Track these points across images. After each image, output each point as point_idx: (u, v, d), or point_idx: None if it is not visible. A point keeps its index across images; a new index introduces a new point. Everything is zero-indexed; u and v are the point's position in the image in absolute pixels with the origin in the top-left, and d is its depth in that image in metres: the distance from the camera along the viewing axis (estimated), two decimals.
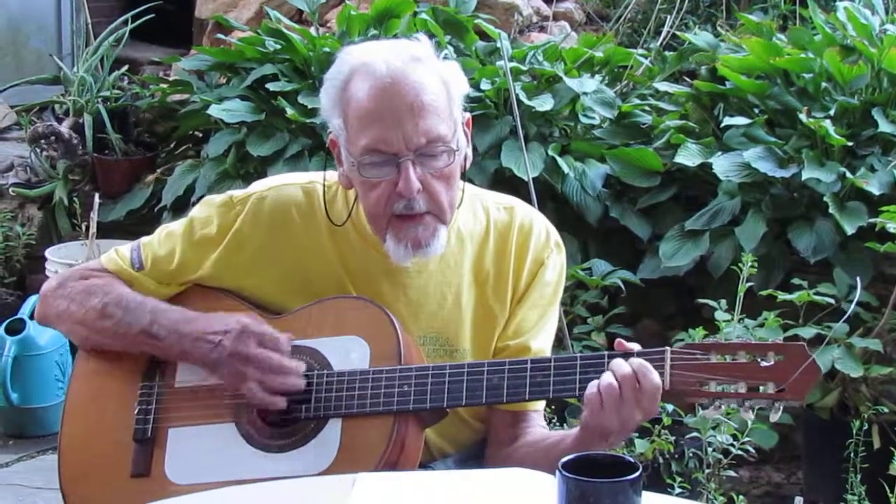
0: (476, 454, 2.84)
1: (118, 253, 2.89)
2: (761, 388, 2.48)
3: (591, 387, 2.54)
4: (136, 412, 2.77)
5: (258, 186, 2.83)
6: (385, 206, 2.65)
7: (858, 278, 3.45)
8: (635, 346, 2.59)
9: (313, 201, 2.79)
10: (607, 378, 2.53)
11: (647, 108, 5.63)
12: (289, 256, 2.78)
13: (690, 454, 4.19)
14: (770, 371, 2.48)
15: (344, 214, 2.78)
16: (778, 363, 2.48)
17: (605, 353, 2.59)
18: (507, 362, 2.64)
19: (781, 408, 2.49)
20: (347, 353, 2.68)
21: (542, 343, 2.83)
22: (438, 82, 2.66)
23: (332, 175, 2.79)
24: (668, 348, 2.54)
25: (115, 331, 2.80)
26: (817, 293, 4.42)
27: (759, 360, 2.49)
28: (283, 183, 2.84)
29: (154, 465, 2.73)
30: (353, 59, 2.68)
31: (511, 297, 2.81)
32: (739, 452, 4.04)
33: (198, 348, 2.72)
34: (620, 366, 2.53)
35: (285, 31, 5.97)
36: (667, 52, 6.04)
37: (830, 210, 4.75)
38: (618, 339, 2.63)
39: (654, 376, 2.52)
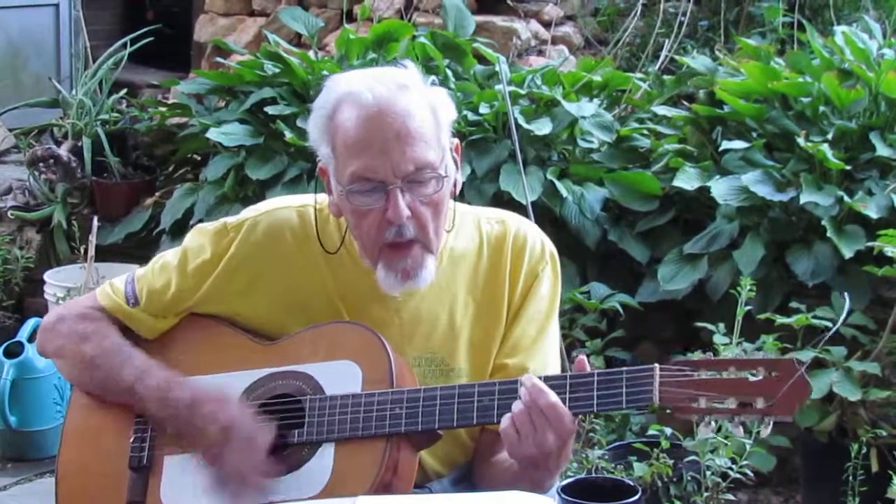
0: (470, 474, 2.84)
1: (112, 287, 2.89)
2: (751, 403, 2.47)
3: (505, 420, 2.55)
4: (131, 440, 2.79)
5: (251, 213, 2.84)
6: (377, 235, 2.66)
7: (847, 294, 3.42)
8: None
9: (307, 224, 2.80)
10: (517, 406, 2.54)
11: (645, 131, 5.64)
12: (283, 280, 2.78)
13: (689, 477, 4.18)
14: (759, 386, 2.47)
15: (336, 237, 2.79)
16: (767, 378, 2.47)
17: (595, 371, 2.58)
18: (498, 383, 2.64)
19: (771, 423, 2.48)
20: (340, 378, 2.68)
21: (540, 362, 2.81)
22: (426, 109, 2.66)
23: (322, 198, 2.80)
24: (657, 365, 2.53)
25: (103, 383, 2.82)
26: (815, 317, 4.42)
27: (748, 375, 2.48)
28: (277, 207, 2.84)
29: (150, 493, 2.74)
30: (340, 88, 2.69)
31: (507, 311, 2.81)
32: (738, 475, 4.04)
33: (176, 422, 2.73)
34: (522, 393, 2.54)
35: (284, 54, 5.98)
36: (665, 76, 6.05)
37: (828, 233, 4.75)
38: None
39: (548, 395, 2.52)
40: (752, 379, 2.47)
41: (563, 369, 4.32)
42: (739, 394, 2.48)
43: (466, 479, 2.84)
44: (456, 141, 2.76)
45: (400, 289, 2.71)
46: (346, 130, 2.64)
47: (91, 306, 2.88)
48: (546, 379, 2.58)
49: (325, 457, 2.64)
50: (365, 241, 2.69)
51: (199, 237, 2.85)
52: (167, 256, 2.87)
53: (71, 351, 2.85)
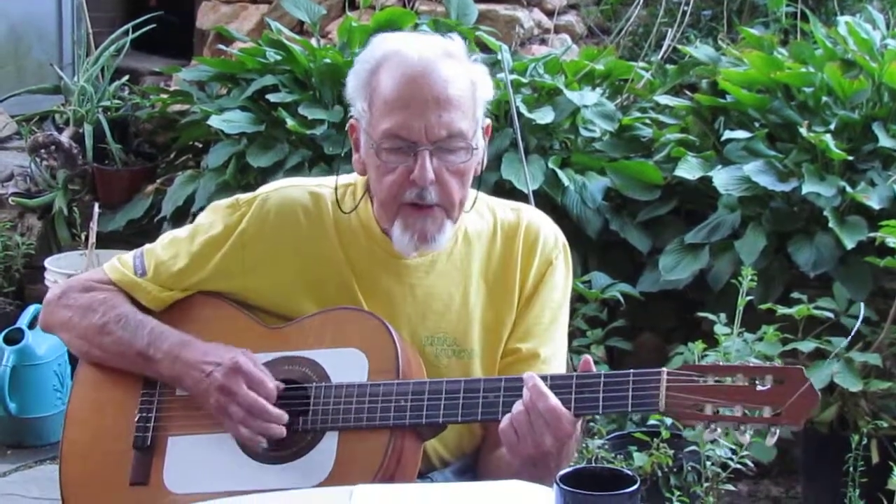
0: (475, 463, 2.84)
1: (120, 261, 2.90)
2: (757, 411, 2.45)
3: (504, 420, 2.55)
4: (136, 420, 2.79)
5: (265, 189, 2.86)
6: (397, 192, 2.67)
7: (862, 304, 3.39)
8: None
9: (321, 203, 2.81)
10: (516, 407, 2.54)
11: (647, 121, 5.63)
12: (294, 257, 2.78)
13: (689, 468, 4.18)
14: (767, 395, 2.45)
15: (353, 214, 2.79)
16: (775, 387, 2.45)
17: (602, 373, 2.58)
18: (504, 379, 2.63)
19: (777, 432, 2.47)
20: (346, 366, 2.68)
21: (551, 350, 2.82)
22: (466, 80, 2.69)
23: (344, 178, 2.82)
24: (664, 370, 2.52)
25: (113, 349, 2.82)
26: (817, 307, 4.42)
27: (756, 383, 2.46)
28: (290, 185, 2.87)
29: (153, 473, 2.74)
30: (387, 46, 2.71)
31: (518, 297, 2.81)
32: (738, 466, 4.03)
33: (189, 375, 2.73)
34: (524, 393, 2.54)
35: (286, 42, 5.97)
36: (668, 66, 6.05)
37: (830, 224, 4.74)
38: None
39: (548, 399, 2.52)
40: (759, 388, 2.46)
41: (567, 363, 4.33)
42: (746, 402, 2.46)
43: (470, 471, 2.83)
44: (488, 121, 2.78)
45: (414, 251, 2.72)
46: (386, 87, 2.67)
47: (98, 279, 2.89)
48: (552, 378, 2.58)
49: (328, 445, 2.64)
50: (385, 197, 2.70)
51: (211, 214, 2.87)
52: (177, 232, 2.90)
53: (78, 321, 2.85)
